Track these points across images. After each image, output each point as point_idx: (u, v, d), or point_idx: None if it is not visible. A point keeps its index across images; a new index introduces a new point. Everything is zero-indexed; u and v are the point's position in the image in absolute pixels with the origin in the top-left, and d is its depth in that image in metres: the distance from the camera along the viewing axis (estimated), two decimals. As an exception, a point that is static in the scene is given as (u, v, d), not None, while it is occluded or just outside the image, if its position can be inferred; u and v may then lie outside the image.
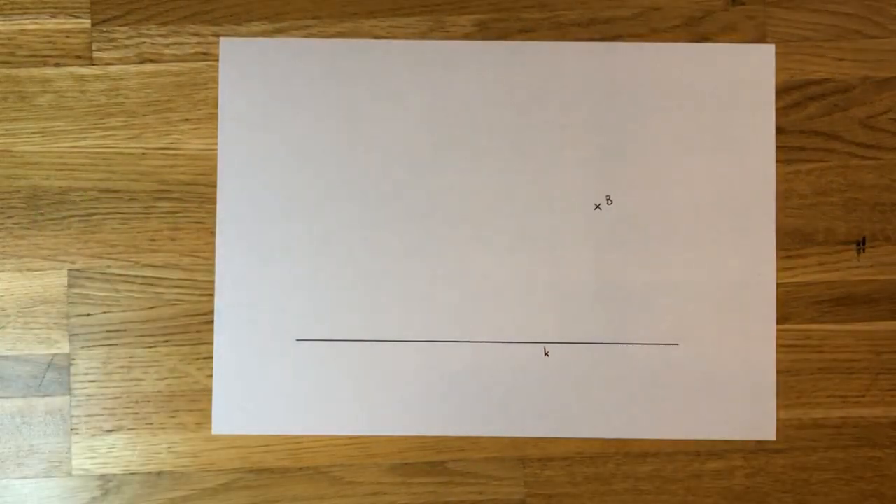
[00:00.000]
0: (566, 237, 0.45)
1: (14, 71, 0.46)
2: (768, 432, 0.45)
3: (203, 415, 0.45)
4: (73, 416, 0.45)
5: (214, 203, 0.45)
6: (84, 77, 0.46)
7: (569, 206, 0.45)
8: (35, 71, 0.46)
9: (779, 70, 0.46)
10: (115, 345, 0.45)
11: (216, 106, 0.46)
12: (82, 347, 0.45)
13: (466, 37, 0.46)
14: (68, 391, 0.45)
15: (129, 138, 0.46)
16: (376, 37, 0.46)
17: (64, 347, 0.45)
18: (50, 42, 0.46)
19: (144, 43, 0.46)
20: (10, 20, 0.46)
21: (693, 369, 0.45)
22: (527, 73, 0.46)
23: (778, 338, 0.45)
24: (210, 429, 0.45)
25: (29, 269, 0.45)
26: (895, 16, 0.46)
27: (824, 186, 0.46)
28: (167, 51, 0.46)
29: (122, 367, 0.45)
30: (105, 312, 0.45)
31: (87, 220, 0.45)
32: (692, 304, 0.45)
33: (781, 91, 0.46)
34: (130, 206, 0.46)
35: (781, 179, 0.46)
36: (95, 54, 0.46)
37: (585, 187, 0.45)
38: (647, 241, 0.45)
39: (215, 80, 0.46)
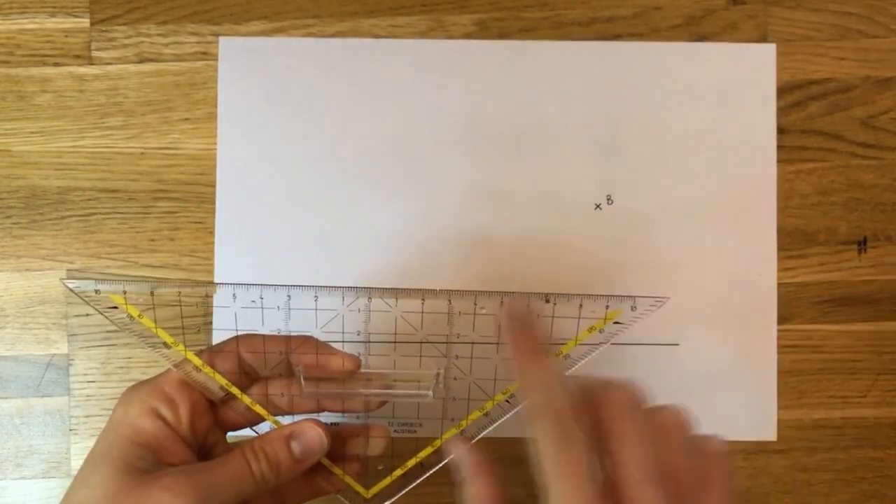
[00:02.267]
0: (566, 237, 0.45)
1: (13, 70, 0.46)
2: (769, 433, 0.45)
3: (202, 415, 0.44)
4: (72, 417, 0.45)
5: (213, 203, 0.45)
6: (83, 77, 0.46)
7: (569, 205, 0.45)
8: (34, 70, 0.46)
9: (779, 70, 0.46)
10: (114, 345, 0.45)
11: (215, 105, 0.45)
12: (81, 348, 0.45)
13: (466, 36, 0.46)
14: (67, 392, 0.45)
15: (129, 138, 0.46)
16: (376, 36, 0.46)
17: (63, 348, 0.45)
18: (49, 41, 0.46)
19: (143, 42, 0.46)
20: (9, 19, 0.46)
21: (694, 369, 0.45)
22: (527, 72, 0.46)
23: (778, 338, 0.45)
24: (209, 429, 0.44)
25: (28, 270, 0.45)
26: (896, 15, 0.46)
27: (825, 186, 0.46)
28: (166, 50, 0.46)
29: (121, 367, 0.45)
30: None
31: (86, 220, 0.45)
32: (693, 304, 0.45)
33: (782, 91, 0.46)
34: (129, 206, 0.45)
35: (782, 179, 0.45)
36: (94, 54, 0.46)
37: (586, 187, 0.45)
38: (648, 241, 0.45)
39: (214, 80, 0.46)
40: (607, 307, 0.34)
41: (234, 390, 0.35)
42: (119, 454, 0.30)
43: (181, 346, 0.34)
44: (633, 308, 0.34)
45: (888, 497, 0.45)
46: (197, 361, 0.34)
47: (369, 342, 0.35)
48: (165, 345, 0.34)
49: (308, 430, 0.32)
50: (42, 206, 0.45)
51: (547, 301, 0.34)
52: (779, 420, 0.45)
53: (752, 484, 0.45)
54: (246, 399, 0.35)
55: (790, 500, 0.45)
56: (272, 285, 0.34)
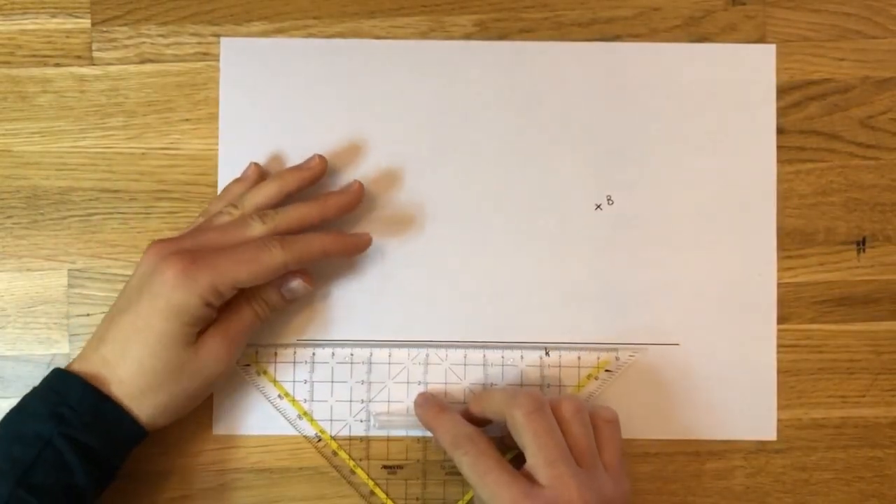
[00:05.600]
0: (567, 237, 0.45)
1: (14, 71, 0.46)
2: (769, 432, 0.45)
3: (203, 415, 0.45)
4: (73, 417, 0.45)
5: (214, 203, 0.45)
6: (84, 77, 0.46)
7: (569, 206, 0.45)
8: (35, 71, 0.46)
9: (779, 70, 0.46)
10: (116, 345, 0.45)
11: (216, 106, 0.46)
12: (82, 347, 0.45)
13: (466, 37, 0.46)
14: (68, 391, 0.45)
15: (129, 138, 0.46)
16: (376, 37, 0.46)
17: (64, 347, 0.45)
18: (50, 42, 0.46)
19: (144, 43, 0.46)
20: (10, 20, 0.46)
21: (694, 369, 0.45)
22: (527, 73, 0.46)
23: (778, 338, 0.45)
24: (210, 429, 0.45)
25: (29, 270, 0.45)
26: (895, 16, 0.46)
27: (824, 186, 0.46)
28: (167, 51, 0.46)
29: (122, 367, 0.45)
30: (105, 312, 0.44)
31: (87, 221, 0.45)
32: (693, 304, 0.45)
33: (781, 91, 0.46)
34: (130, 206, 0.46)
35: (781, 179, 0.46)
36: (95, 54, 0.46)
37: (586, 187, 0.45)
38: (648, 241, 0.45)
39: (215, 80, 0.46)
40: (598, 358, 0.45)
41: (325, 436, 0.45)
42: (180, 338, 0.38)
43: (292, 399, 0.45)
44: (617, 358, 0.45)
45: (887, 496, 0.45)
46: (300, 410, 0.45)
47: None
48: (280, 396, 0.45)
49: (292, 281, 0.41)
50: (43, 207, 0.45)
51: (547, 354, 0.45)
52: (778, 419, 0.45)
53: (751, 483, 0.45)
54: (332, 443, 0.45)
55: (790, 499, 0.45)
56: (357, 343, 0.45)
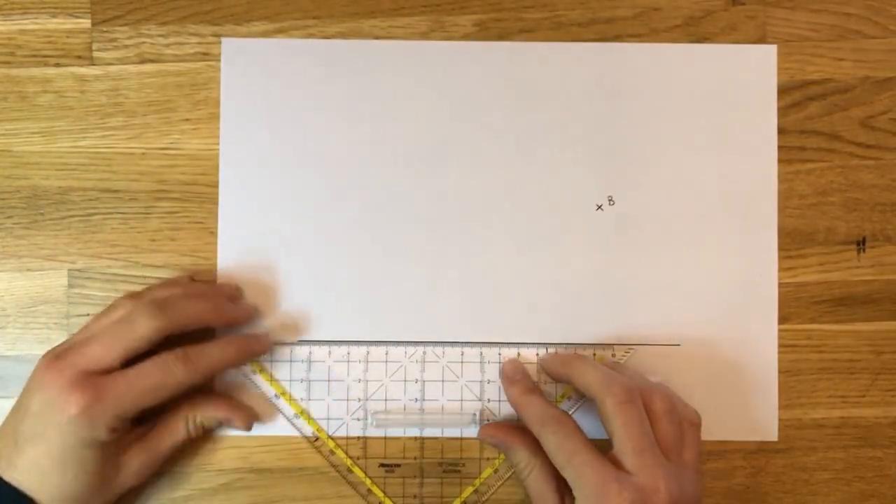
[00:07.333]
0: (568, 238, 0.45)
1: (14, 71, 0.46)
2: (770, 433, 0.45)
3: (203, 415, 0.44)
4: (73, 417, 0.45)
5: (215, 203, 0.45)
6: (84, 77, 0.46)
7: (570, 207, 0.45)
8: (35, 71, 0.46)
9: (779, 70, 0.46)
10: (116, 345, 0.45)
11: (216, 106, 0.46)
12: None
13: (466, 37, 0.46)
14: (68, 391, 0.45)
15: (130, 138, 0.46)
16: (376, 37, 0.46)
17: (64, 347, 0.45)
18: (50, 42, 0.46)
19: (145, 43, 0.46)
20: (10, 20, 0.46)
21: (695, 369, 0.45)
22: (527, 73, 0.46)
23: (778, 338, 0.45)
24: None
25: (29, 270, 0.45)
26: (895, 16, 0.46)
27: (824, 186, 0.46)
28: (167, 51, 0.46)
29: (122, 367, 0.45)
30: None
31: (87, 220, 0.45)
32: (694, 305, 0.45)
33: (781, 91, 0.46)
34: (130, 206, 0.46)
35: (781, 179, 0.46)
36: (96, 54, 0.46)
37: (587, 188, 0.45)
38: (649, 241, 0.45)
39: (215, 80, 0.46)
40: (594, 354, 0.45)
41: (322, 435, 0.45)
42: (99, 459, 0.39)
43: (289, 397, 0.45)
44: (613, 355, 0.45)
45: (887, 496, 0.45)
46: (297, 409, 0.45)
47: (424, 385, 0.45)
48: (277, 395, 0.45)
49: (238, 423, 0.43)
50: (43, 206, 0.45)
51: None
52: (778, 419, 0.45)
53: (751, 483, 0.45)
54: (329, 442, 0.45)
55: (789, 499, 0.45)
56: (354, 342, 0.45)
